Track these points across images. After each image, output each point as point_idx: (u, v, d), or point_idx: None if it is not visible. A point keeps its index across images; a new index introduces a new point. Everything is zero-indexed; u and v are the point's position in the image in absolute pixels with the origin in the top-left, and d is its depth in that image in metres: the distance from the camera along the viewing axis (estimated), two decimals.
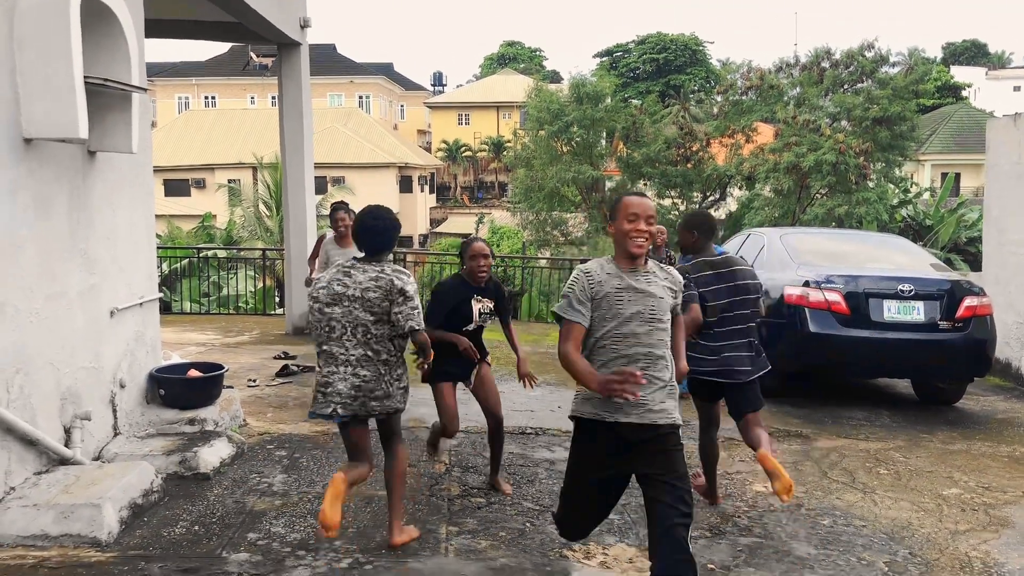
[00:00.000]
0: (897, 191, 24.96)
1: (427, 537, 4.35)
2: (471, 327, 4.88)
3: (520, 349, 5.10)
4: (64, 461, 4.57)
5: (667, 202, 24.45)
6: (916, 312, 7.04)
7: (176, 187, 38.91)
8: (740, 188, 24.31)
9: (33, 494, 4.15)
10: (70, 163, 4.74)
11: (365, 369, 3.97)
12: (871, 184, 22.01)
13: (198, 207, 33.57)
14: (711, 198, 25.08)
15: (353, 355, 3.98)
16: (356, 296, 3.96)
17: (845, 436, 6.68)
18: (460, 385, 5.07)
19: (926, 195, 29.28)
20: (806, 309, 7.07)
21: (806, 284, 7.16)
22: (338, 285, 4.00)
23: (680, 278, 3.54)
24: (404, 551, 4.15)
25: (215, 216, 29.21)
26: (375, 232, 4.05)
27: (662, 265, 3.51)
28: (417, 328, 3.94)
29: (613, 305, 3.30)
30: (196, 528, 4.33)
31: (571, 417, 3.47)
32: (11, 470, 4.19)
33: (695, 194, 24.54)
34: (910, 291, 7.02)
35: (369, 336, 3.97)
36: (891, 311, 7.01)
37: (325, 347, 4.04)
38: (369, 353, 3.98)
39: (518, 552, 4.24)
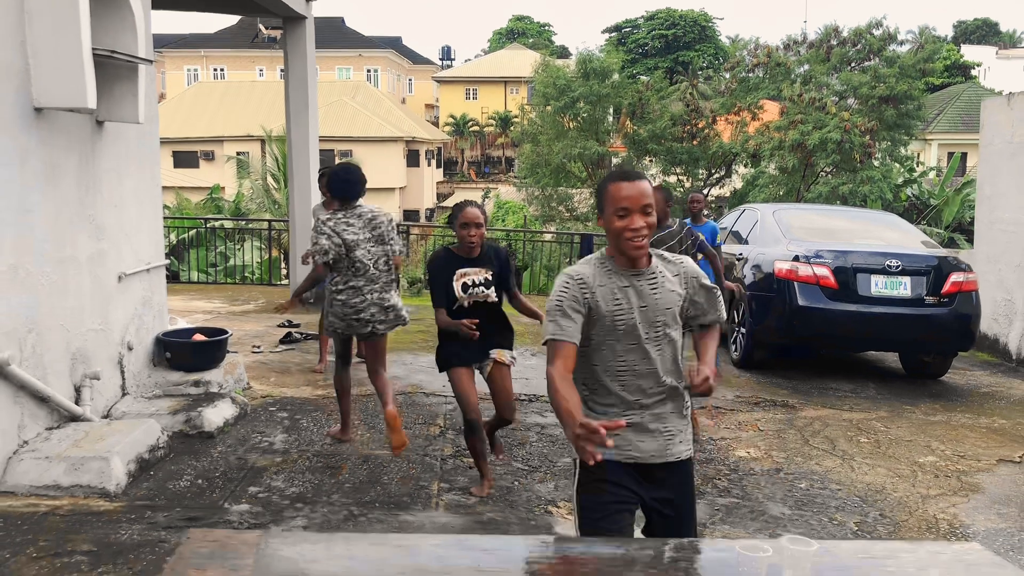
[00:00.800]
0: (902, 170, 24.96)
1: (419, 493, 4.58)
2: (465, 304, 4.33)
3: (533, 309, 4.48)
4: (74, 418, 4.78)
5: (672, 179, 24.55)
6: (903, 287, 7.20)
7: (185, 159, 39.05)
8: (745, 166, 24.35)
9: (45, 447, 4.37)
10: (79, 132, 4.92)
11: (389, 291, 5.06)
12: (876, 163, 22.04)
13: (207, 179, 33.73)
14: (716, 175, 25.14)
15: (378, 284, 5.02)
16: (368, 237, 4.99)
17: (830, 407, 6.88)
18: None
19: (932, 174, 29.26)
20: (795, 283, 7.24)
21: (796, 259, 7.32)
22: (348, 234, 4.93)
23: (692, 268, 2.68)
24: (396, 502, 4.38)
25: (223, 188, 29.36)
26: (350, 183, 5.08)
27: (666, 255, 2.68)
28: (401, 251, 5.35)
29: (615, 318, 2.53)
30: (200, 482, 4.56)
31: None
32: (24, 425, 4.41)
33: (700, 171, 24.59)
34: (897, 267, 7.18)
35: (388, 264, 5.09)
36: (878, 286, 7.17)
37: (352, 283, 4.95)
38: (391, 278, 5.11)
39: (504, 508, 4.46)
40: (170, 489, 4.43)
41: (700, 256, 7.21)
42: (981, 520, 4.65)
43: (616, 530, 2.43)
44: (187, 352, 5.92)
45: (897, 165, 24.12)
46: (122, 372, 5.51)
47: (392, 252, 5.11)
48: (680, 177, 24.32)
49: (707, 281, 2.68)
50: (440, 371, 4.54)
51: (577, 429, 2.18)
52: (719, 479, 5.06)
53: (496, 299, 4.43)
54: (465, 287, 4.33)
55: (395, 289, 5.14)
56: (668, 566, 1.96)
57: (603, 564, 1.95)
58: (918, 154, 32.38)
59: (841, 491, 4.98)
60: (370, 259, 4.96)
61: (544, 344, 2.52)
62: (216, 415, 5.40)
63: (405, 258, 16.48)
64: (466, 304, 4.36)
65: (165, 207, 14.45)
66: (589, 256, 2.65)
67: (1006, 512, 4.77)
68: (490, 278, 4.39)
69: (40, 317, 4.52)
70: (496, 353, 4.52)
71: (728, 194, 24.99)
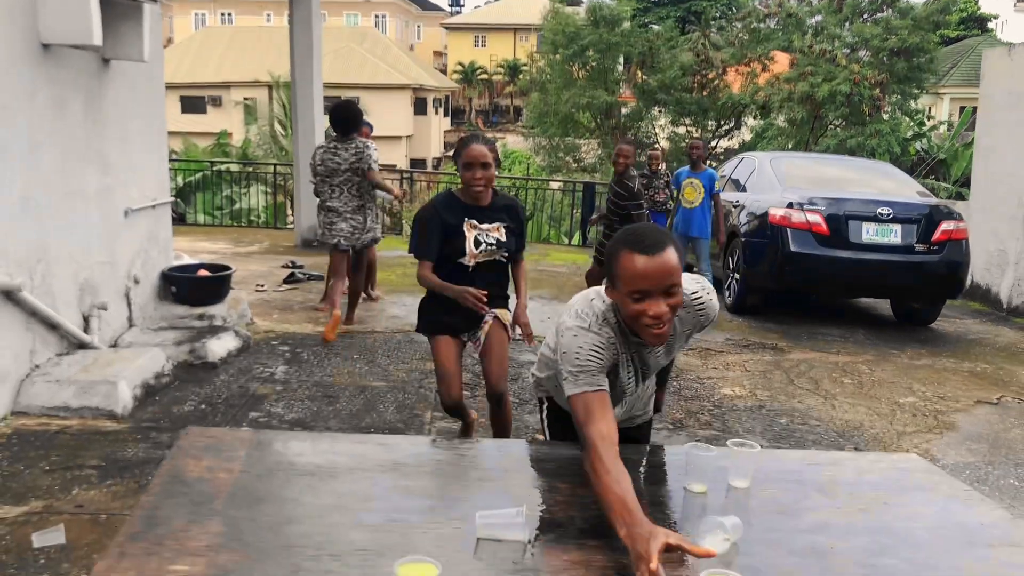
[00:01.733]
0: (912, 124, 24.82)
1: (412, 420, 4.79)
2: (467, 262, 3.59)
3: (524, 295, 3.80)
4: (83, 345, 4.99)
5: (681, 130, 24.49)
6: (893, 235, 7.32)
7: (192, 104, 38.94)
8: (755, 118, 24.25)
9: (55, 371, 4.58)
10: (85, 69, 5.05)
11: (358, 215, 6.31)
12: (885, 116, 21.94)
13: (214, 124, 33.67)
14: (725, 127, 25.05)
15: (352, 205, 6.28)
16: (347, 168, 6.18)
17: (818, 350, 7.05)
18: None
19: (942, 128, 29.03)
20: (788, 230, 7.36)
21: (789, 206, 7.44)
22: (331, 162, 6.21)
23: (709, 318, 2.27)
24: (391, 427, 4.59)
25: (231, 134, 29.36)
26: (348, 118, 6.25)
27: (688, 304, 2.18)
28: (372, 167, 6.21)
29: (622, 382, 2.26)
30: (203, 407, 4.77)
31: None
32: (36, 350, 4.61)
33: (709, 122, 24.51)
34: (888, 214, 7.29)
35: (360, 190, 6.22)
36: (869, 233, 7.30)
37: (328, 204, 6.27)
38: (359, 203, 6.27)
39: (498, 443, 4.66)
40: (174, 413, 4.65)
41: (671, 203, 7.48)
42: (952, 455, 4.84)
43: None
44: (192, 286, 6.11)
45: (907, 119, 23.99)
46: (129, 305, 5.70)
47: (364, 180, 6.30)
48: (689, 128, 24.25)
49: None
50: (419, 331, 3.83)
51: (640, 546, 1.59)
52: (702, 414, 5.25)
53: (505, 262, 3.71)
54: (476, 241, 3.57)
55: (370, 212, 6.44)
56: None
57: (564, 462, 2.13)
58: (929, 108, 32.12)
59: (820, 427, 5.17)
60: (347, 185, 6.28)
61: (568, 398, 2.03)
62: (219, 347, 5.60)
63: (409, 204, 16.60)
64: (470, 264, 3.58)
65: (172, 152, 14.53)
66: (602, 309, 2.12)
67: (976, 448, 4.96)
68: (503, 238, 3.62)
69: (49, 248, 4.70)
70: (499, 312, 3.74)
71: (737, 146, 24.90)
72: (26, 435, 4.15)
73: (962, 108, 32.44)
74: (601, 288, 2.18)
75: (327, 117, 6.45)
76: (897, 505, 2.01)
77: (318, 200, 6.50)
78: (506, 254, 3.68)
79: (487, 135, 3.76)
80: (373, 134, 7.69)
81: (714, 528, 1.73)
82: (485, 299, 3.56)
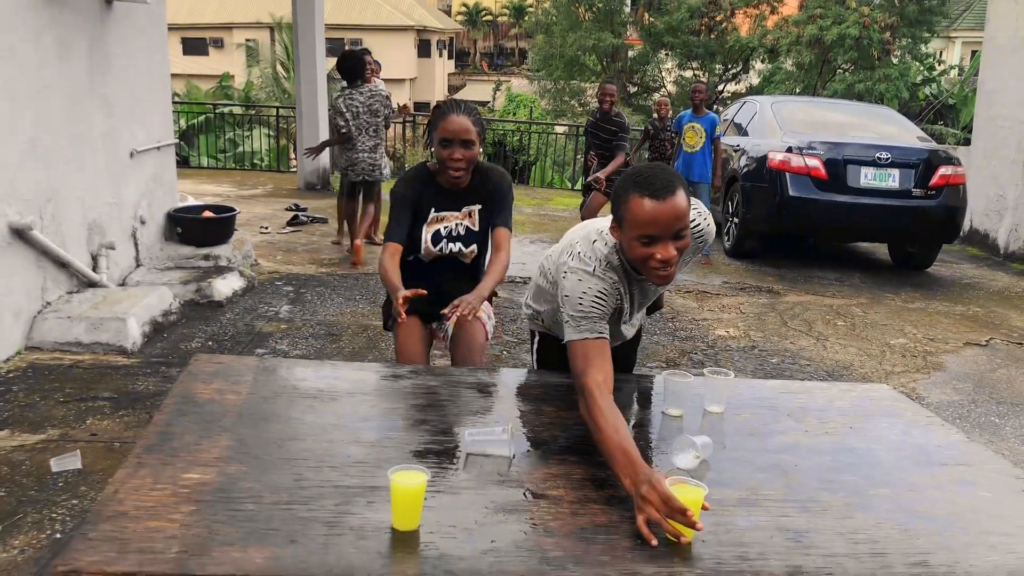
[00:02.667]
0: (921, 68, 24.56)
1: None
2: (424, 257, 3.01)
3: (492, 278, 2.87)
4: (92, 284, 5.12)
5: (688, 73, 24.28)
6: (891, 179, 7.38)
7: (194, 46, 38.56)
8: (762, 61, 24.02)
9: (66, 308, 4.72)
10: (88, 11, 5.09)
11: (376, 152, 7.09)
12: (895, 60, 21.72)
13: (216, 67, 33.38)
14: (732, 71, 24.83)
15: (369, 144, 7.04)
16: (366, 109, 6.93)
17: (813, 293, 7.16)
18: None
19: (952, 73, 28.68)
20: (786, 174, 7.42)
21: (789, 150, 7.48)
22: (352, 106, 6.91)
23: (707, 241, 2.28)
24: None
25: (233, 76, 29.14)
26: (349, 68, 6.97)
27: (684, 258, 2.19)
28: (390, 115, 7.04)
29: (620, 315, 2.28)
30: (210, 343, 4.92)
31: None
32: (47, 287, 4.75)
33: (716, 66, 24.30)
34: (887, 159, 7.34)
35: (376, 130, 7.00)
36: (867, 177, 7.35)
37: (352, 142, 6.99)
38: (377, 142, 7.06)
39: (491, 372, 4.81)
40: (182, 349, 4.80)
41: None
42: (937, 393, 4.98)
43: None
44: (197, 227, 6.22)
45: (916, 63, 23.74)
46: (136, 245, 5.83)
47: (381, 123, 7.09)
48: (696, 72, 24.06)
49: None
50: (385, 329, 3.31)
51: (645, 489, 1.61)
52: (695, 353, 5.39)
53: (476, 253, 3.05)
54: (436, 237, 2.96)
55: (382, 150, 7.18)
56: None
57: (550, 388, 2.27)
58: (940, 52, 31.68)
59: (810, 366, 5.31)
60: (365, 126, 6.97)
61: (568, 343, 2.04)
62: (225, 286, 5.73)
63: (414, 147, 16.59)
64: (426, 259, 3.02)
65: (175, 95, 14.53)
66: (605, 252, 2.11)
67: (961, 387, 5.10)
68: (473, 227, 2.99)
69: (57, 188, 4.80)
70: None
71: (744, 90, 24.70)
72: (40, 368, 4.31)
73: (974, 52, 31.96)
74: (602, 225, 2.16)
75: (330, 61, 6.89)
76: (861, 429, 2.15)
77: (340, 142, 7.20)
78: (478, 248, 3.02)
79: (469, 104, 2.92)
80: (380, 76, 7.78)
81: (686, 447, 1.87)
82: (438, 283, 2.94)
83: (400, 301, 2.58)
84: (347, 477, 1.69)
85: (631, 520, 1.60)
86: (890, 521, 1.69)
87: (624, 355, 2.74)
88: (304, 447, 1.82)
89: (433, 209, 2.97)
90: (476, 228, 3.01)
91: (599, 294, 2.05)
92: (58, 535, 2.82)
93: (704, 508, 1.60)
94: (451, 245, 2.99)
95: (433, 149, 2.91)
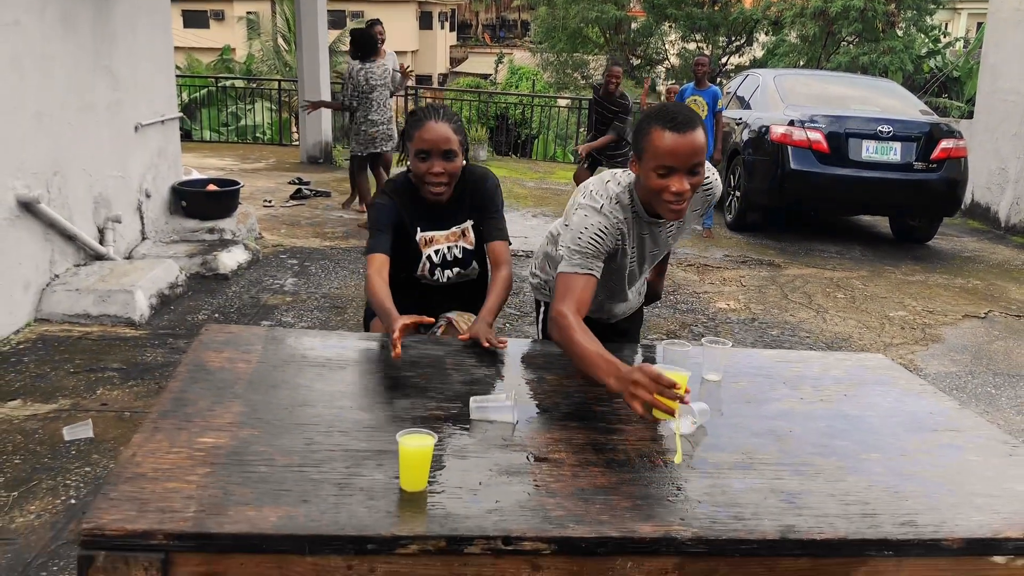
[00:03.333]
0: (926, 41, 24.39)
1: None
2: (425, 278, 2.69)
3: (497, 297, 2.55)
4: (99, 257, 5.18)
5: (691, 46, 24.14)
6: (893, 152, 7.40)
7: (194, 18, 38.31)
8: (766, 34, 23.87)
9: (74, 281, 4.78)
10: None
11: (391, 124, 7.57)
12: (899, 33, 21.58)
13: (217, 39, 33.21)
14: (736, 43, 24.67)
15: (387, 116, 7.51)
16: (383, 83, 7.47)
17: (814, 266, 7.21)
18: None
19: (958, 45, 28.46)
20: (789, 147, 7.44)
21: (791, 123, 7.49)
22: (373, 80, 7.40)
23: (715, 196, 2.39)
24: None
25: (234, 49, 29.01)
26: (363, 45, 7.42)
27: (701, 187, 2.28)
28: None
29: (622, 261, 2.36)
30: (216, 315, 4.98)
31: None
32: (55, 260, 4.80)
33: (720, 38, 24.15)
34: (888, 132, 7.36)
35: (387, 104, 7.50)
36: (869, 151, 7.37)
37: (370, 117, 7.41)
38: (391, 114, 7.57)
39: None
40: (189, 321, 4.86)
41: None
42: (935, 364, 5.04)
43: None
44: (202, 200, 6.27)
45: (921, 35, 23.57)
46: (141, 218, 5.87)
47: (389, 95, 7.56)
48: (699, 44, 23.91)
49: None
50: (366, 329, 2.93)
51: (636, 375, 1.74)
52: (696, 325, 5.45)
53: (478, 270, 2.76)
54: (432, 265, 2.65)
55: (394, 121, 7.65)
56: None
57: (551, 358, 2.32)
58: (945, 24, 31.40)
59: (809, 338, 5.37)
60: (381, 99, 7.42)
61: (558, 273, 2.15)
62: (230, 259, 5.79)
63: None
64: (427, 280, 2.70)
65: (176, 67, 14.54)
66: (616, 191, 2.21)
67: (959, 359, 5.16)
68: (469, 246, 2.69)
69: (64, 161, 4.84)
70: (455, 317, 2.73)
71: (748, 62, 24.57)
72: (50, 340, 4.37)
73: (979, 24, 31.69)
74: (618, 171, 2.30)
75: (332, 33, 6.99)
76: (855, 396, 2.20)
77: (349, 116, 7.62)
78: (475, 266, 2.72)
79: (449, 109, 2.57)
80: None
81: (684, 413, 1.92)
82: (436, 302, 2.70)
83: (396, 334, 2.15)
84: (356, 441, 1.74)
85: (629, 483, 1.66)
86: (880, 484, 1.74)
87: (626, 330, 2.80)
88: (314, 413, 1.88)
89: (419, 228, 2.60)
90: (473, 246, 2.67)
91: (599, 231, 2.15)
92: (72, 501, 2.89)
93: (687, 391, 1.75)
94: (447, 272, 2.64)
95: (409, 163, 2.54)
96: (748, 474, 1.74)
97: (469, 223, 2.67)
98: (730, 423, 1.99)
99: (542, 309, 2.83)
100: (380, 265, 2.46)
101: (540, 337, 2.81)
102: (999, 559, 1.59)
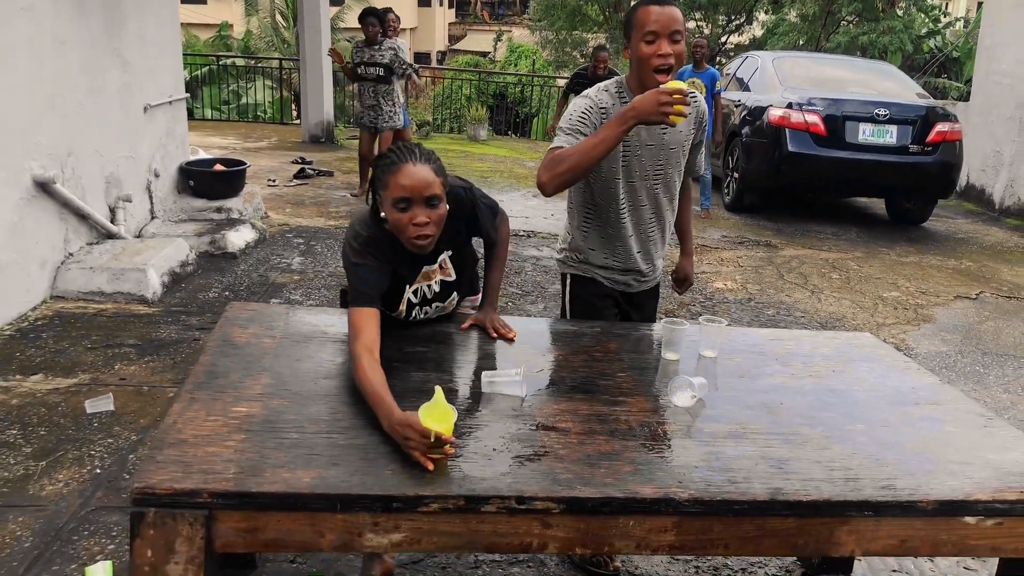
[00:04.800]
0: (926, 20, 24.38)
1: None
2: (400, 318, 2.46)
3: (495, 290, 2.57)
4: (110, 236, 5.29)
5: (691, 24, 24.13)
6: (889, 135, 7.51)
7: None
8: (766, 12, 23.86)
9: (88, 259, 4.90)
10: None
11: (387, 102, 7.85)
12: (899, 12, 21.59)
13: (214, 16, 33.07)
14: (736, 22, 24.66)
15: (376, 93, 7.80)
16: (383, 63, 7.71)
17: (810, 247, 7.35)
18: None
19: (958, 25, 28.44)
20: (786, 129, 7.55)
21: (789, 106, 7.60)
22: (372, 59, 7.72)
23: (704, 111, 2.71)
24: None
25: (231, 26, 28.94)
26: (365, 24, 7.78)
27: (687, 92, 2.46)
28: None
29: (622, 152, 2.52)
30: (226, 293, 5.11)
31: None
32: (69, 239, 4.92)
33: (720, 17, 24.13)
34: (885, 115, 7.47)
35: (384, 81, 7.75)
36: (865, 133, 7.49)
37: (366, 93, 7.82)
38: (384, 93, 7.83)
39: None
40: (200, 299, 4.99)
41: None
42: (925, 344, 5.19)
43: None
44: (209, 180, 6.38)
45: (922, 15, 23.57)
46: (150, 197, 5.99)
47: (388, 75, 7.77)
48: (699, 23, 23.90)
49: (704, 134, 2.74)
50: (342, 304, 2.58)
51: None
52: (693, 305, 5.59)
53: (457, 300, 2.55)
54: (409, 305, 2.43)
55: (389, 97, 7.86)
56: (605, 337, 2.47)
57: (559, 335, 2.46)
58: (946, 4, 31.35)
59: (804, 318, 5.51)
60: (369, 78, 7.73)
61: (550, 148, 2.42)
62: (238, 238, 5.91)
63: (415, 100, 16.59)
64: (406, 317, 2.47)
65: None
66: (607, 82, 2.55)
67: (950, 339, 5.31)
68: (448, 278, 2.46)
69: (77, 142, 4.95)
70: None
71: (747, 41, 24.57)
72: (66, 317, 4.50)
73: (979, 4, 31.64)
74: (619, 77, 2.61)
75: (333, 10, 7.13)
76: (843, 372, 2.34)
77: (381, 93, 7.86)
78: (455, 296, 2.51)
79: (424, 148, 2.23)
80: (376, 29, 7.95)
81: (684, 386, 2.06)
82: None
83: (421, 448, 1.70)
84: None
85: (632, 450, 1.80)
86: (863, 452, 1.89)
87: (642, 306, 2.87)
88: (337, 384, 2.02)
89: (408, 284, 2.36)
90: (452, 277, 2.46)
91: (584, 111, 2.48)
92: (98, 471, 3.03)
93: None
94: (426, 309, 2.46)
95: (383, 213, 2.20)
96: (741, 442, 1.88)
97: (446, 255, 2.41)
98: (725, 396, 2.13)
99: (568, 282, 2.79)
100: (371, 343, 2.07)
101: (567, 315, 2.80)
102: (970, 519, 1.74)
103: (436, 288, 2.40)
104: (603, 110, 2.47)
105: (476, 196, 2.41)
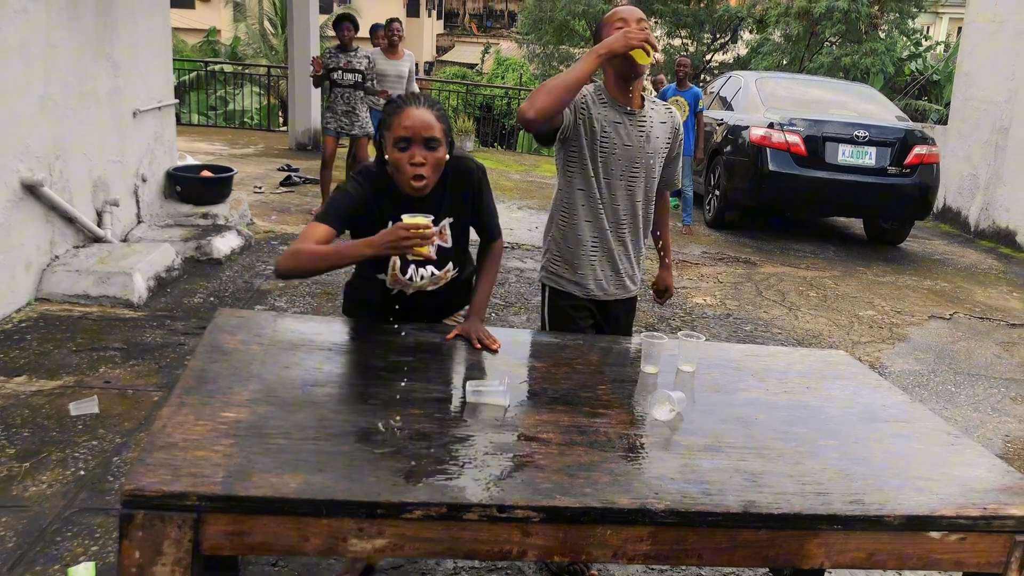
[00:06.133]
0: (908, 44, 24.73)
1: None
2: (390, 284, 2.53)
3: (484, 292, 2.60)
4: (97, 239, 5.31)
5: (676, 42, 24.35)
6: (868, 157, 7.65)
7: None
8: (751, 32, 24.13)
9: (74, 262, 4.91)
10: None
11: (363, 108, 7.67)
12: (882, 35, 21.89)
13: (202, 20, 33.04)
14: (720, 40, 24.92)
15: (351, 99, 7.59)
16: (360, 69, 7.54)
17: (788, 264, 7.45)
18: None
19: (939, 49, 28.85)
20: (767, 149, 7.67)
21: (770, 126, 7.72)
22: (349, 65, 7.50)
23: (679, 123, 2.88)
24: None
25: (219, 31, 28.91)
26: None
27: (659, 101, 2.86)
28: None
29: (601, 146, 2.67)
30: (211, 299, 5.14)
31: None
32: (55, 241, 4.94)
33: (705, 35, 24.38)
34: (865, 137, 7.60)
35: (360, 87, 7.56)
36: (845, 154, 7.62)
37: (340, 99, 7.55)
38: (360, 100, 7.64)
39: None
40: (185, 304, 5.01)
41: None
42: (899, 363, 5.29)
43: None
44: (196, 186, 6.40)
45: (903, 38, 23.91)
46: (137, 202, 6.00)
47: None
48: (684, 40, 24.13)
49: (681, 146, 2.89)
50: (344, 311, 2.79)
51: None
52: (673, 319, 5.66)
53: (457, 272, 2.59)
54: (404, 264, 2.47)
55: (363, 104, 7.71)
56: (587, 349, 2.53)
57: (542, 347, 2.51)
58: (927, 28, 31.81)
59: (781, 334, 5.60)
60: (346, 84, 7.55)
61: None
62: (224, 244, 5.93)
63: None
64: (394, 289, 2.55)
65: None
66: (586, 84, 2.67)
67: (923, 358, 5.41)
68: (445, 244, 2.50)
69: (66, 145, 4.97)
70: (447, 319, 2.75)
71: (732, 60, 24.82)
72: (51, 319, 4.51)
73: (959, 30, 32.06)
74: (597, 82, 2.78)
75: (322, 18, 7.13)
76: (816, 389, 2.41)
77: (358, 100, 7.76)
78: (457, 271, 2.57)
79: (431, 97, 2.41)
80: (359, 35, 7.93)
81: (663, 399, 2.12)
82: (418, 305, 2.56)
83: (417, 243, 2.19)
84: (362, 418, 1.93)
85: (610, 461, 1.86)
86: (834, 467, 1.95)
87: (618, 319, 2.96)
88: (324, 392, 2.06)
89: (391, 224, 2.30)
90: (448, 244, 2.48)
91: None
92: (82, 472, 3.05)
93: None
94: (421, 271, 2.47)
95: (387, 155, 2.33)
96: (716, 455, 1.94)
97: (447, 221, 2.46)
98: (701, 410, 2.19)
99: (547, 293, 2.89)
100: (322, 235, 2.27)
101: (545, 324, 2.91)
102: (934, 534, 1.80)
103: (432, 252, 2.34)
104: (580, 94, 2.67)
105: (485, 179, 2.53)
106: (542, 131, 2.62)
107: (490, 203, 2.57)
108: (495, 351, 2.43)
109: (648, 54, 2.53)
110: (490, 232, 2.61)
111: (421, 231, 2.15)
